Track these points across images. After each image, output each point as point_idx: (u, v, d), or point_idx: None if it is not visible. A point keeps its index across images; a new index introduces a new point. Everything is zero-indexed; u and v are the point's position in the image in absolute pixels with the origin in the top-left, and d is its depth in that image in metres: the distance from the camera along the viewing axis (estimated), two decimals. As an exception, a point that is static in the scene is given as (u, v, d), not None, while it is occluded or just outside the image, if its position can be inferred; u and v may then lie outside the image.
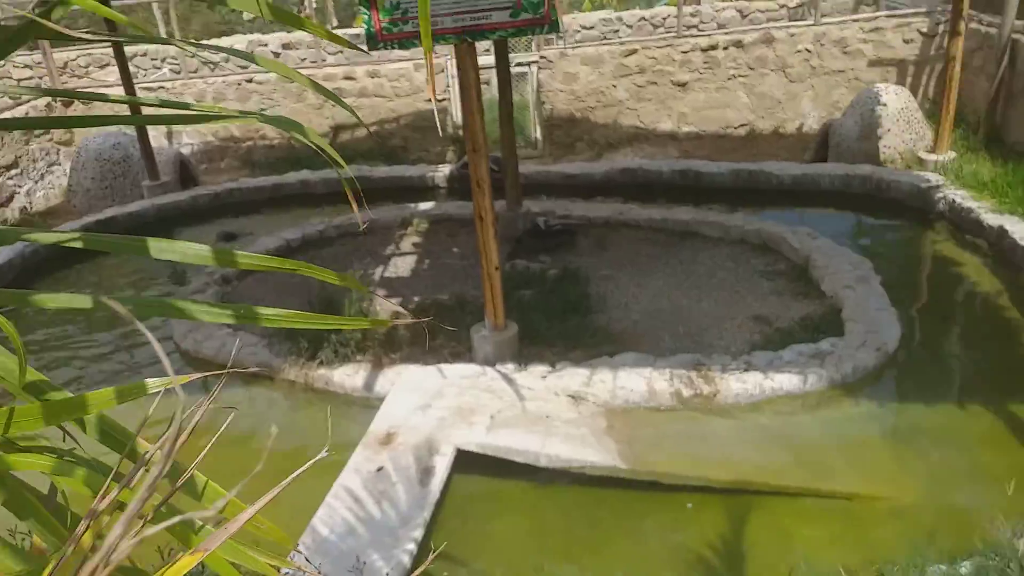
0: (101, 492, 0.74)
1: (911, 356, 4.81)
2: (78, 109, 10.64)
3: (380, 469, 3.85)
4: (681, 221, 6.92)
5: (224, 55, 12.50)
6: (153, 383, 0.86)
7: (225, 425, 1.01)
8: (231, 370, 0.93)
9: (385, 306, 5.73)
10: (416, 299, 6.02)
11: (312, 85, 1.16)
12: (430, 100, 10.42)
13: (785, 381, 4.42)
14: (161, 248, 1.00)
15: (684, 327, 5.26)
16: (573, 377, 4.60)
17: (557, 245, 6.73)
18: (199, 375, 0.93)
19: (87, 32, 0.92)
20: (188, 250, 1.00)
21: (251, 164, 10.64)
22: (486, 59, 8.48)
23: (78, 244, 1.03)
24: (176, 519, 0.67)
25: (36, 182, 10.10)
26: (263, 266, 1.02)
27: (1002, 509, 3.17)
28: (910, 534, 3.26)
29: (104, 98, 1.35)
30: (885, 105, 8.04)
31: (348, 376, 4.87)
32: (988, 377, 4.58)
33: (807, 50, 9.71)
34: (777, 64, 9.80)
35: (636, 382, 4.48)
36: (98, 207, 9.06)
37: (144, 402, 0.87)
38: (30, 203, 9.84)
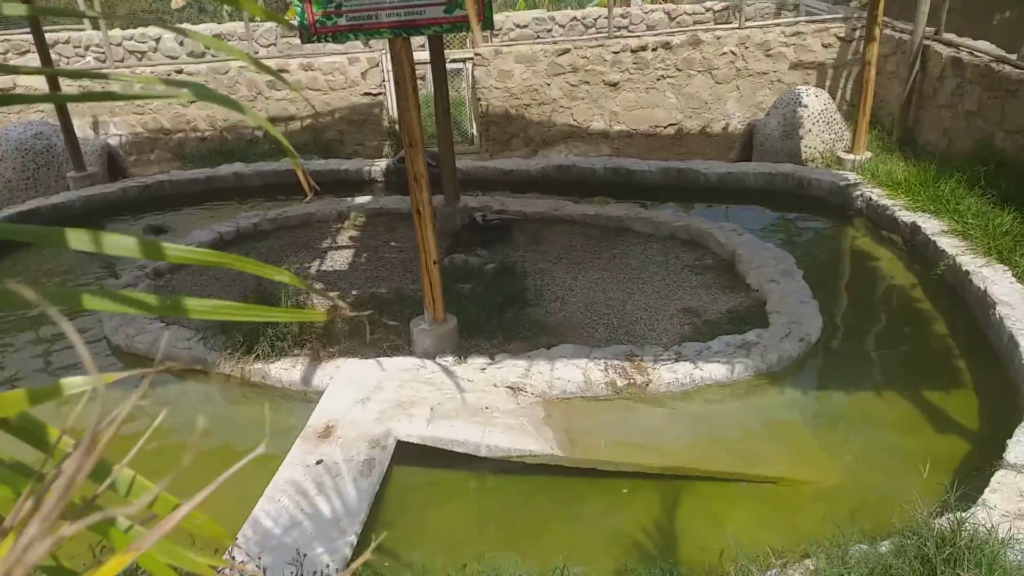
0: (24, 493, 0.69)
1: (832, 346, 5.00)
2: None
3: (320, 462, 3.78)
4: (614, 217, 7.01)
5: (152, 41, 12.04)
6: (72, 382, 0.79)
7: (158, 421, 0.95)
8: (161, 368, 0.84)
9: (323, 301, 5.62)
10: (354, 292, 5.94)
11: (252, 61, 1.11)
12: (366, 94, 10.27)
13: (714, 370, 4.52)
14: (84, 240, 0.91)
15: (617, 319, 5.33)
16: (512, 369, 4.61)
17: (495, 239, 6.73)
18: (124, 374, 0.82)
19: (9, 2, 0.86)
20: (114, 242, 0.91)
21: (182, 157, 10.29)
22: (422, 55, 8.40)
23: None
24: (96, 516, 0.62)
25: (-49, 172, 9.54)
26: (194, 259, 0.96)
27: (919, 490, 3.33)
28: (833, 515, 3.38)
29: (22, 70, 1.24)
30: (806, 106, 8.31)
31: (285, 370, 4.77)
32: (904, 365, 4.78)
33: (732, 52, 9.96)
34: (704, 66, 10.02)
35: (572, 373, 4.52)
36: (20, 198, 8.63)
37: (78, 400, 0.82)
38: (-57, 194, 9.28)
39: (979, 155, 6.69)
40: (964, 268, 5.30)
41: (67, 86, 9.21)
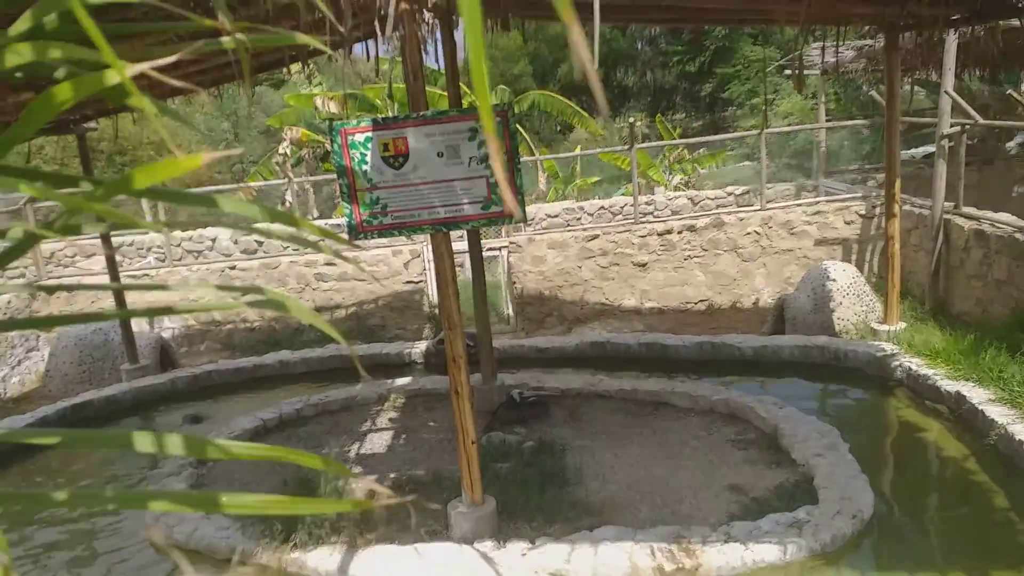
0: None
1: (886, 522, 4.73)
2: (62, 298, 10.74)
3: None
4: (651, 391, 6.98)
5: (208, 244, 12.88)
6: None
7: None
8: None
9: (362, 484, 5.56)
10: (392, 475, 5.88)
11: (329, 251, 1.22)
12: (408, 282, 10.72)
13: (765, 552, 4.29)
14: (146, 442, 0.95)
15: (662, 498, 5.16)
16: (554, 554, 4.43)
17: (532, 416, 6.70)
18: None
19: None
20: (166, 442, 0.95)
21: (231, 346, 10.67)
22: (460, 244, 8.86)
23: (54, 440, 0.99)
24: None
25: (13, 368, 9.98)
26: (241, 455, 0.99)
27: None
28: None
29: (91, 287, 1.36)
30: (835, 280, 8.44)
31: (323, 559, 4.63)
32: (965, 541, 4.49)
33: (756, 232, 10.31)
34: (729, 245, 10.35)
35: (617, 558, 4.31)
36: (75, 391, 8.92)
37: None
38: (4, 389, 9.66)
39: (1017, 322, 6.64)
40: (1018, 438, 5.10)
41: (126, 276, 9.82)
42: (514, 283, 10.57)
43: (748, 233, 10.31)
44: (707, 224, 10.33)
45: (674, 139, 17.82)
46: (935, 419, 6.20)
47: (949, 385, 6.21)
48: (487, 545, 4.60)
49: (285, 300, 1.07)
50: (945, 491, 5.23)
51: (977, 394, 5.92)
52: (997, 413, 5.53)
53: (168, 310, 1.13)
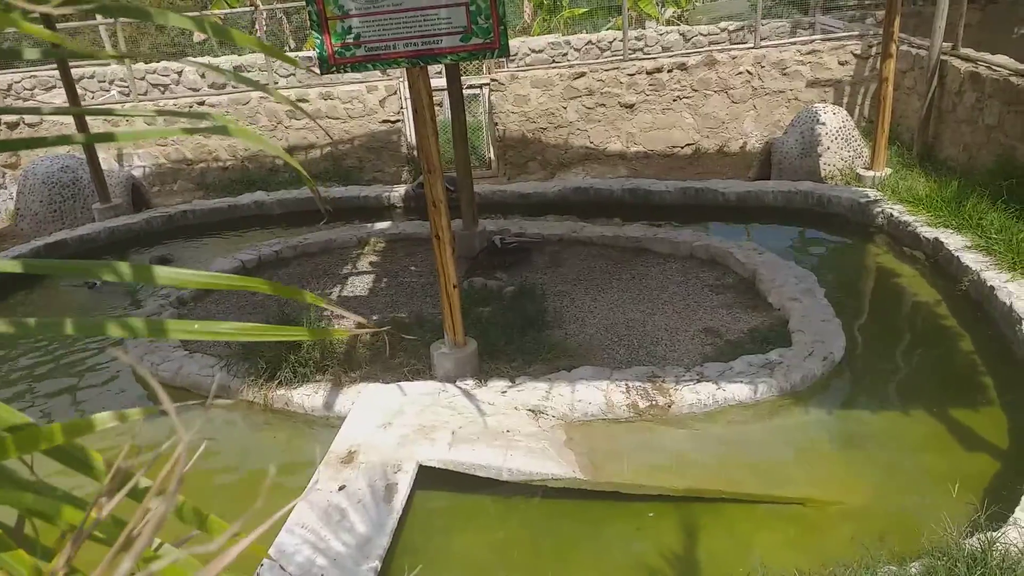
0: (84, 519, 0.72)
1: (856, 364, 4.95)
2: (24, 132, 10.34)
3: (342, 488, 3.80)
4: (633, 238, 7.02)
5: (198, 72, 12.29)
6: (102, 417, 0.82)
7: (198, 454, 0.96)
8: (211, 403, 0.89)
9: (345, 324, 5.67)
10: (374, 317, 5.98)
11: (284, 99, 1.15)
12: (385, 121, 10.40)
13: (737, 391, 4.50)
14: (113, 271, 0.93)
15: (638, 340, 5.32)
16: (532, 392, 4.61)
17: (513, 262, 6.76)
18: (158, 407, 0.85)
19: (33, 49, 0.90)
20: (150, 272, 0.93)
21: (204, 186, 10.47)
22: (439, 81, 8.52)
23: (18, 270, 0.97)
24: (181, 553, 0.66)
25: (-20, 206, 9.78)
26: (221, 285, 0.97)
27: (948, 510, 3.28)
28: (861, 536, 3.33)
29: (55, 111, 1.29)
30: (824, 124, 8.30)
31: (308, 396, 4.81)
32: (930, 382, 4.73)
33: (748, 72, 9.99)
34: (720, 85, 10.05)
35: (594, 395, 4.51)
36: (47, 230, 8.81)
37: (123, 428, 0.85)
38: (-26, 228, 9.51)
39: (1001, 169, 6.63)
40: (989, 283, 5.25)
41: (92, 121, 9.43)
42: (496, 124, 10.29)
43: (740, 73, 9.99)
44: (698, 63, 9.97)
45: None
46: (911, 265, 6.34)
47: (928, 232, 6.30)
48: (469, 383, 4.77)
49: (229, 124, 1.01)
50: (914, 335, 5.44)
51: (955, 241, 6.02)
52: (972, 259, 5.65)
53: (109, 136, 1.07)
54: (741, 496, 3.77)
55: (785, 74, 9.98)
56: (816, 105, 8.69)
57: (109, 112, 1.07)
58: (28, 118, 10.30)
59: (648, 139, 10.31)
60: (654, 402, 4.45)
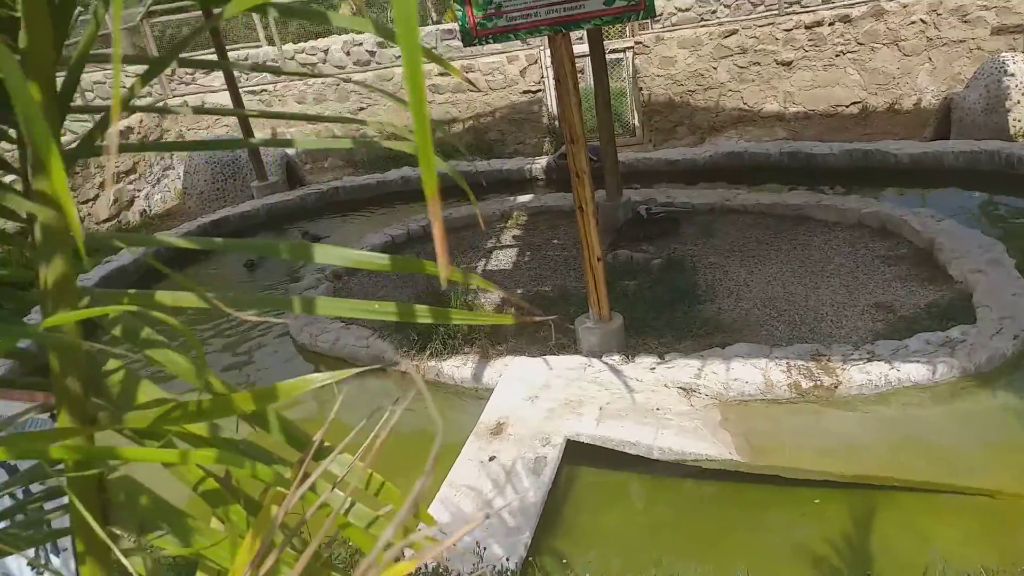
0: (297, 480, 0.79)
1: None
2: (188, 115, 11.23)
3: (493, 459, 3.91)
4: (793, 205, 6.70)
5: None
6: (318, 377, 0.90)
7: (387, 422, 1.02)
8: (377, 367, 0.94)
9: (490, 298, 5.80)
10: (519, 291, 6.07)
11: (433, 57, 1.17)
12: (526, 92, 10.46)
13: (912, 371, 4.21)
14: (331, 254, 1.01)
15: (800, 316, 5.10)
16: (683, 369, 4.53)
17: (660, 233, 6.65)
18: (351, 371, 0.94)
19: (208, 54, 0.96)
20: (328, 253, 1.00)
21: (354, 163, 10.99)
22: (580, 47, 8.44)
23: (194, 246, 1.06)
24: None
25: (153, 186, 10.75)
26: (381, 266, 1.01)
27: None
28: (1062, 534, 3.05)
29: (231, 112, 1.40)
30: (1013, 75, 7.53)
31: (457, 368, 4.97)
32: None
33: (922, 21, 9.21)
34: (889, 37, 9.33)
35: (751, 373, 4.37)
36: (211, 208, 9.57)
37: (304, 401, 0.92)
38: (148, 206, 10.49)
39: None
40: None
41: (248, 100, 10.11)
42: (640, 89, 10.09)
43: (912, 22, 9.21)
44: (864, 13, 9.28)
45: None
46: (1124, 233, 5.66)
47: None
48: (615, 358, 4.76)
49: (382, 141, 1.07)
50: None
51: None
52: None
53: (288, 142, 1.16)
54: (918, 485, 3.55)
55: (965, 21, 9.11)
56: (1003, 54, 7.88)
57: (291, 116, 1.14)
58: (193, 100, 11.18)
59: (808, 98, 9.75)
60: (818, 382, 4.25)
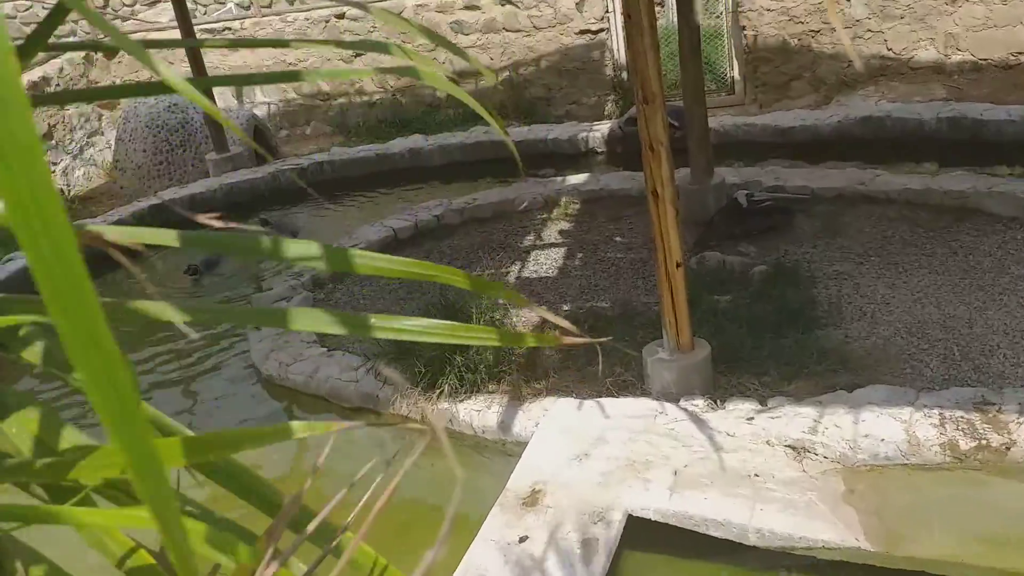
0: (266, 558, 0.81)
1: None
2: (124, 62, 11.50)
3: (524, 540, 3.92)
4: (954, 193, 6.64)
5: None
6: (298, 427, 0.89)
7: (387, 480, 1.02)
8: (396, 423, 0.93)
9: (527, 317, 5.82)
10: (565, 307, 6.09)
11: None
12: (583, 32, 10.50)
13: (1122, 429, 4.13)
14: (265, 248, 1.01)
15: (961, 348, 5.04)
16: (793, 420, 4.50)
17: (766, 229, 6.64)
18: (343, 424, 0.90)
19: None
20: (294, 249, 1.00)
21: (345, 128, 11.13)
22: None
23: (171, 243, 1.07)
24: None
25: (74, 157, 11.00)
26: (386, 270, 1.01)
27: None
28: None
29: (170, 44, 1.42)
30: None
31: (478, 412, 5.00)
32: None
33: None
34: (1100, -45, 9.18)
35: (889, 428, 4.32)
36: (151, 188, 9.75)
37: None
38: (67, 184, 10.72)
39: None
40: None
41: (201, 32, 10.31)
42: (743, 29, 10.07)
43: None
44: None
45: None
46: None
47: None
48: (698, 403, 4.74)
49: (419, 67, 1.06)
50: None
51: None
52: None
53: (294, 76, 1.17)
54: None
55: None
56: None
57: (273, 43, 1.16)
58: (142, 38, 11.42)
59: (978, 43, 9.64)
60: (984, 441, 4.20)
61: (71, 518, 0.89)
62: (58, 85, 10.87)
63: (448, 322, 1.00)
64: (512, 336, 1.06)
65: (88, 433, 1.01)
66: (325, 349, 5.83)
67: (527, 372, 5.24)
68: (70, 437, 0.99)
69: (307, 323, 0.99)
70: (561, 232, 7.38)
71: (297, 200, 9.22)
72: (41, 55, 11.38)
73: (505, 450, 4.81)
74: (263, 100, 11.57)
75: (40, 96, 1.22)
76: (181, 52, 10.57)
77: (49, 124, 10.56)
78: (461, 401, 5.08)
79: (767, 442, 4.44)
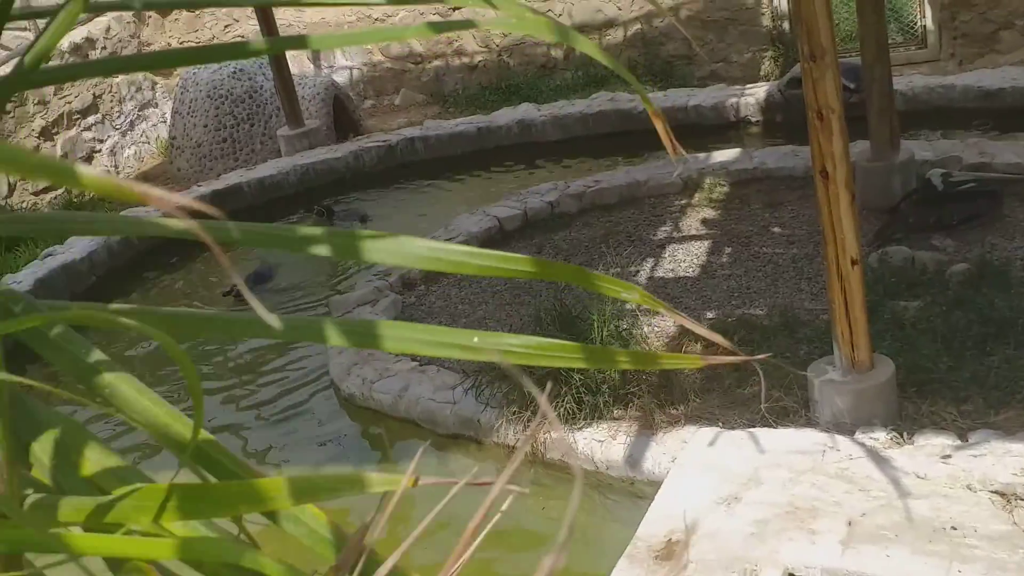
0: None
1: None
2: (182, 20, 11.80)
3: (657, 603, 3.89)
4: None
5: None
6: (376, 481, 0.88)
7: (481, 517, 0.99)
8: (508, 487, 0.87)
9: (661, 325, 5.77)
10: (710, 315, 6.05)
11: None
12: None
13: None
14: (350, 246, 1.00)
15: None
16: (1002, 459, 4.39)
17: (968, 218, 6.49)
18: (452, 481, 0.88)
19: None
20: (391, 247, 0.97)
21: (441, 97, 11.22)
22: None
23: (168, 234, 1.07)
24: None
25: (124, 133, 11.28)
26: (474, 269, 0.99)
27: None
28: None
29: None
30: None
31: (600, 443, 4.99)
32: None
33: None
34: None
35: None
36: (213, 170, 9.94)
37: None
38: (115, 164, 11.02)
39: None
40: None
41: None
42: (936, -33, 9.83)
43: None
44: None
45: None
46: None
47: None
48: (878, 436, 4.65)
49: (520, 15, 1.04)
50: None
51: None
52: None
53: (365, 37, 1.16)
54: None
55: None
56: None
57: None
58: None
59: None
60: None
61: (110, 547, 0.89)
62: (104, 48, 11.13)
63: (563, 342, 0.98)
64: (644, 357, 1.04)
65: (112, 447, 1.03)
66: (416, 363, 5.89)
67: (661, 394, 5.19)
68: (101, 459, 1.00)
69: (388, 342, 0.97)
70: (704, 222, 7.31)
71: (386, 182, 9.32)
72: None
73: (633, 490, 4.79)
74: (344, 64, 11.72)
75: (81, 65, 1.23)
76: (249, 8, 10.78)
77: (94, 94, 10.81)
78: (579, 429, 5.07)
79: (968, 486, 4.34)
